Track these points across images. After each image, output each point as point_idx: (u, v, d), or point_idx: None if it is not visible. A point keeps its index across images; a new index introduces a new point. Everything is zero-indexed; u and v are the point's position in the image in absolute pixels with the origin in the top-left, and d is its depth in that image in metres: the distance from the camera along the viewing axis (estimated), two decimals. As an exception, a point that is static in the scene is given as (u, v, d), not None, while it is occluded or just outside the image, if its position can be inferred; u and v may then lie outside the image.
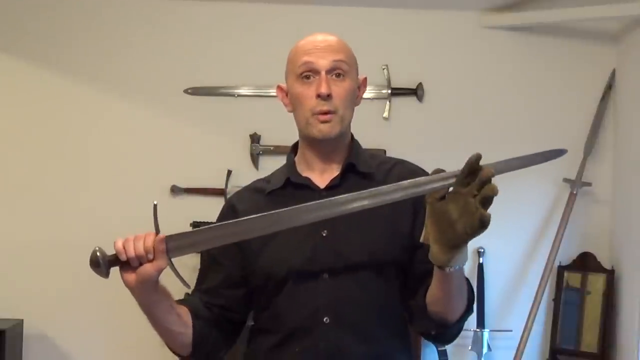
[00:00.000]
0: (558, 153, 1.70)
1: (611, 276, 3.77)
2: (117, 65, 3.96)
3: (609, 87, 3.91)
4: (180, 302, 1.73)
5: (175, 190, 3.92)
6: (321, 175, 1.77)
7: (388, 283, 1.70)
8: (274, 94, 4.05)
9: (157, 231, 1.59)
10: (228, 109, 3.96)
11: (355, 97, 1.77)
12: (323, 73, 1.70)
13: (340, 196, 1.53)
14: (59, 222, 3.91)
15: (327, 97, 1.69)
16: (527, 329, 3.74)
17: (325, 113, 1.70)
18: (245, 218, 1.59)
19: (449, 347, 3.68)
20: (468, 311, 1.66)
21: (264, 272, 1.72)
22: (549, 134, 3.97)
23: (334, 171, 1.76)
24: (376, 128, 3.93)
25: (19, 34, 3.94)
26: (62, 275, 3.89)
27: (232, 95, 3.98)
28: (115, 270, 1.62)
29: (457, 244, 1.46)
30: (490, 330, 3.82)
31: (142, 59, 3.97)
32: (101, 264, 1.55)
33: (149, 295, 1.61)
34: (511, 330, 3.82)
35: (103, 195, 3.92)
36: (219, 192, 3.89)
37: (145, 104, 3.96)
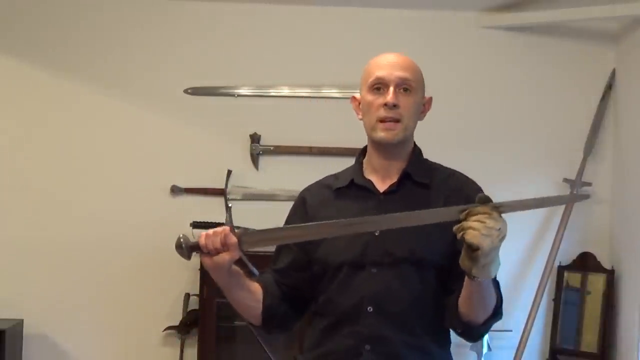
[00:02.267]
0: (581, 197, 1.79)
1: (611, 276, 3.77)
2: (117, 65, 3.96)
3: (609, 87, 3.91)
4: (255, 279, 1.97)
5: (175, 190, 3.92)
6: (382, 180, 1.96)
7: (428, 283, 1.89)
8: (274, 94, 4.09)
9: (232, 227, 1.83)
10: (228, 109, 3.96)
11: (419, 111, 1.99)
12: (392, 86, 1.91)
13: (379, 216, 1.80)
14: (59, 222, 3.91)
15: (394, 107, 1.90)
16: (527, 329, 3.74)
17: (391, 120, 1.90)
18: (304, 224, 1.90)
19: (449, 347, 3.68)
20: (494, 317, 1.87)
21: (322, 261, 1.93)
22: (549, 134, 3.97)
23: (394, 177, 1.96)
24: (376, 128, 3.93)
25: (19, 34, 3.93)
26: (62, 275, 3.90)
27: (232, 95, 3.98)
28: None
29: (469, 256, 1.68)
30: (491, 330, 3.82)
31: (142, 59, 3.97)
32: (184, 248, 1.83)
33: (223, 276, 1.86)
34: (511, 330, 3.81)
35: (103, 195, 3.92)
36: (219, 192, 3.89)
37: (145, 104, 3.96)
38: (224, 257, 1.81)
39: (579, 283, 3.85)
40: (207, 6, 3.97)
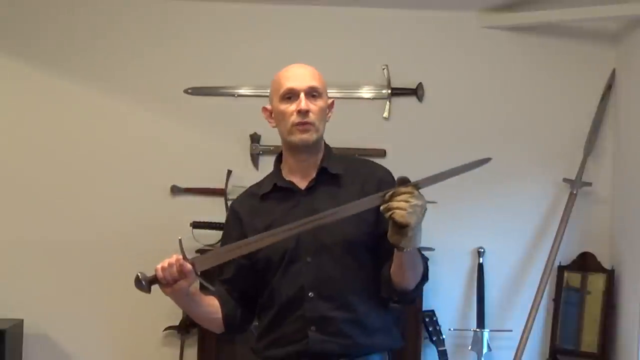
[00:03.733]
0: (482, 162, 2.03)
1: (611, 276, 3.77)
2: (117, 65, 3.96)
3: (609, 87, 3.91)
4: (210, 293, 2.20)
5: (175, 190, 3.92)
6: (302, 179, 2.20)
7: (359, 261, 2.13)
8: (274, 94, 4.04)
9: (184, 257, 2.02)
10: (228, 109, 3.96)
11: (326, 114, 2.21)
12: (302, 94, 2.13)
13: (311, 217, 2.01)
14: (59, 222, 3.91)
15: (306, 112, 2.12)
16: (527, 329, 3.74)
17: (304, 124, 2.13)
18: (245, 240, 2.09)
19: (448, 347, 3.68)
20: (423, 281, 2.11)
21: (264, 259, 2.15)
22: (549, 134, 3.97)
23: (312, 174, 2.19)
24: (376, 128, 3.93)
25: (19, 34, 3.93)
26: (62, 275, 3.90)
27: (232, 95, 3.98)
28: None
29: (397, 232, 1.90)
30: (490, 330, 3.82)
31: (142, 59, 3.97)
32: (143, 284, 2.01)
33: (183, 299, 2.09)
34: (511, 330, 3.82)
35: (103, 195, 3.92)
36: (219, 192, 3.88)
37: (145, 104, 3.96)
38: (182, 284, 2.02)
39: (579, 283, 3.84)
40: (207, 6, 3.97)
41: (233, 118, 3.96)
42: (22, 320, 3.83)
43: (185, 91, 3.96)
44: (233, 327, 2.22)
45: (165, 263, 2.01)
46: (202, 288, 2.17)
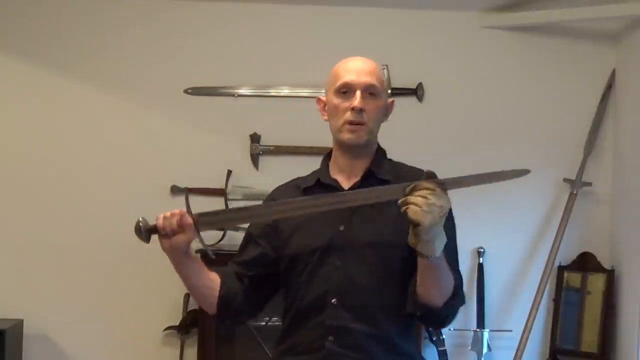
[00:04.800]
0: (521, 173, 2.00)
1: (611, 276, 3.77)
2: (117, 66, 3.96)
3: (609, 87, 3.91)
4: (214, 269, 2.07)
5: (175, 190, 3.92)
6: (348, 179, 2.06)
7: (391, 274, 1.96)
8: (274, 94, 4.09)
9: (189, 211, 1.93)
10: (228, 109, 3.96)
11: (382, 115, 2.07)
12: (358, 91, 1.99)
13: (325, 195, 1.92)
14: (58, 222, 3.91)
15: (360, 111, 1.99)
16: (527, 329, 3.74)
17: (357, 123, 1.99)
18: (259, 204, 2.01)
19: (449, 347, 3.68)
20: (454, 300, 1.94)
21: (290, 256, 2.03)
22: (549, 134, 3.97)
23: (358, 175, 2.06)
24: (376, 128, 3.93)
25: (19, 33, 3.94)
26: (62, 275, 3.90)
27: (232, 95, 3.98)
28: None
29: (413, 232, 1.76)
30: (490, 330, 3.82)
31: (142, 59, 3.97)
32: (142, 232, 1.94)
33: (180, 258, 1.98)
34: (511, 330, 3.82)
35: (103, 195, 3.92)
36: (219, 192, 3.88)
37: (145, 104, 3.96)
38: (181, 238, 1.92)
39: (579, 283, 3.85)
40: (207, 6, 3.97)
41: (233, 118, 3.96)
42: (22, 320, 3.83)
43: (185, 91, 3.96)
44: (227, 311, 2.06)
45: (168, 213, 1.93)
46: (204, 258, 2.06)
